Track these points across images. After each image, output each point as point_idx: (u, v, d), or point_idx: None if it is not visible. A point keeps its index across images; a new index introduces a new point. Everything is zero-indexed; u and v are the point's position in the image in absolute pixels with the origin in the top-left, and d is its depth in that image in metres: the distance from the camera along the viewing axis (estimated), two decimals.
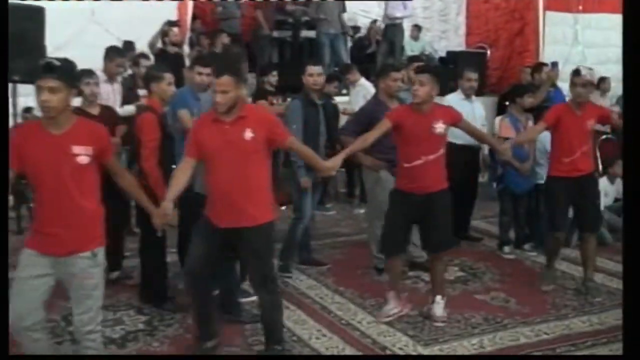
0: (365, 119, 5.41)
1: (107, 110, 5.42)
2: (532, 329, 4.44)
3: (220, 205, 3.77)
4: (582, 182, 5.09)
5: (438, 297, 4.52)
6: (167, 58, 7.83)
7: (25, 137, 3.34)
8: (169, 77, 4.89)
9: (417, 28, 10.76)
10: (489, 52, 11.02)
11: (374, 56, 10.52)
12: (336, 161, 4.33)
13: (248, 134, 3.64)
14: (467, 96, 6.34)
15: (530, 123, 6.13)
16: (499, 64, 11.00)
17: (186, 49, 8.61)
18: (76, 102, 4.92)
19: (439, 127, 4.42)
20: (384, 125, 4.46)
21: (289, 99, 6.87)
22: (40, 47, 6.38)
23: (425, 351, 4.07)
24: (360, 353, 4.09)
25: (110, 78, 6.51)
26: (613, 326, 4.43)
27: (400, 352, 4.12)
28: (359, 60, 10.33)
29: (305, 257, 5.81)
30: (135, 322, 4.60)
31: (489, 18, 11.34)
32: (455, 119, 4.68)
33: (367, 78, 9.82)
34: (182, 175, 3.74)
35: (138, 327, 4.52)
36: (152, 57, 7.93)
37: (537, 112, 6.56)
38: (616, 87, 9.65)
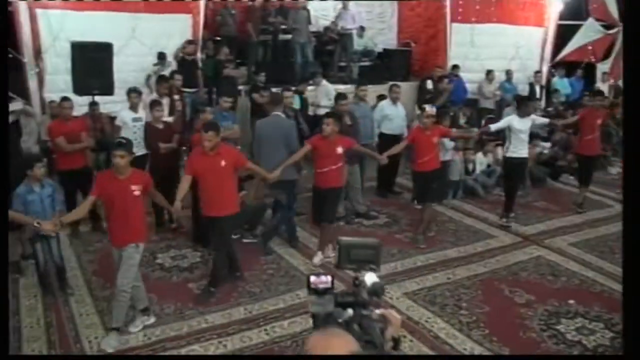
0: None
1: (167, 124, 6.58)
2: (425, 257, 5.95)
3: (207, 203, 5.02)
4: (435, 173, 6.26)
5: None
6: (186, 63, 9.05)
7: (104, 179, 4.44)
8: (209, 110, 6.34)
9: (361, 28, 11.45)
10: (413, 47, 11.90)
11: (333, 52, 11.29)
12: (276, 173, 5.48)
13: (223, 162, 4.91)
14: (394, 101, 7.62)
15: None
16: (420, 57, 11.88)
17: (199, 55, 9.56)
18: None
19: (339, 149, 5.64)
20: (306, 148, 5.71)
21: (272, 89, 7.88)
22: (109, 70, 7.63)
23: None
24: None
25: (161, 95, 7.27)
26: (472, 254, 6.02)
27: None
28: (321, 55, 11.33)
29: None
30: (194, 256, 5.88)
31: (413, 22, 12.16)
32: (350, 145, 5.82)
33: (327, 70, 11.16)
34: (184, 185, 4.96)
35: (196, 259, 5.80)
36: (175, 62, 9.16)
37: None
38: (499, 76, 10.89)
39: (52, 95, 8.25)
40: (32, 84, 8.76)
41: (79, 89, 7.53)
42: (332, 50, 11.41)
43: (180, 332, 4.51)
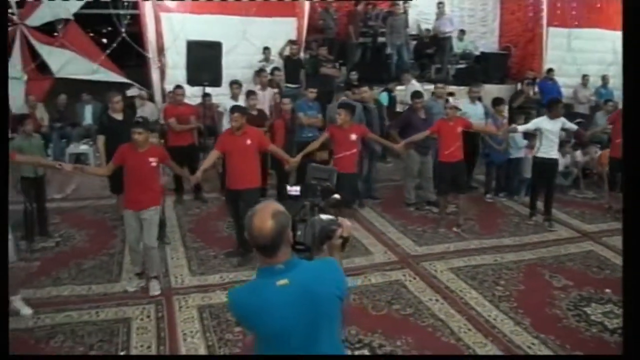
0: (403, 121, 7.70)
1: (260, 112, 7.53)
2: (480, 242, 6.48)
3: (232, 177, 5.68)
4: (460, 164, 6.74)
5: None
6: (290, 62, 10.17)
7: (125, 151, 5.05)
8: (287, 100, 7.29)
9: (462, 32, 12.01)
10: (513, 50, 12.22)
11: (433, 55, 11.91)
12: (297, 159, 6.16)
13: (248, 141, 5.61)
14: (473, 100, 8.09)
15: (505, 122, 7.79)
16: (518, 60, 12.17)
17: (302, 55, 10.64)
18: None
19: (353, 136, 6.29)
20: (324, 136, 6.46)
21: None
22: (219, 65, 8.85)
23: (420, 249, 6.24)
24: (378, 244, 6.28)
25: (263, 88, 8.51)
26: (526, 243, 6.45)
27: (401, 244, 6.30)
28: (421, 57, 12.05)
29: (368, 193, 7.86)
30: None
31: (513, 26, 12.43)
32: (363, 133, 6.51)
33: (424, 71, 11.80)
34: (210, 159, 5.80)
35: None
36: (281, 60, 10.31)
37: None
38: (596, 81, 10.97)
39: (171, 86, 9.72)
40: (155, 76, 10.37)
41: (191, 81, 8.84)
42: (431, 53, 12.00)
43: (249, 278, 5.48)
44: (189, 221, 7.05)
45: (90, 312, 4.77)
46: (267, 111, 8.12)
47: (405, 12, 11.52)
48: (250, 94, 7.52)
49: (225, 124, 8.04)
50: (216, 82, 8.81)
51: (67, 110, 9.97)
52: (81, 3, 10.27)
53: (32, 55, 10.43)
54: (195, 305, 4.91)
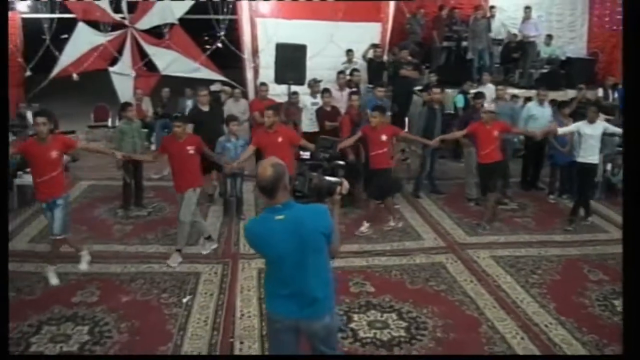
0: (465, 120, 8.11)
1: (333, 108, 8.23)
2: (530, 236, 6.79)
3: None
4: (497, 165, 6.96)
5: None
6: (373, 64, 10.88)
7: (168, 141, 5.94)
8: (355, 97, 7.92)
9: (549, 37, 12.04)
10: (600, 56, 12.14)
11: (518, 59, 12.08)
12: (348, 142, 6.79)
13: (280, 138, 6.29)
14: (541, 102, 8.35)
15: (570, 123, 7.62)
16: (604, 66, 12.08)
17: (385, 58, 11.29)
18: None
19: (383, 136, 6.68)
20: (358, 135, 6.87)
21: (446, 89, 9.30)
22: (303, 65, 9.68)
23: (470, 239, 6.70)
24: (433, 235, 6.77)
25: (341, 88, 9.32)
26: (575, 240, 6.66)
27: (452, 233, 6.76)
28: (507, 61, 12.27)
29: (432, 188, 8.44)
30: None
31: (602, 32, 12.37)
32: (395, 132, 6.94)
33: (508, 75, 12.05)
34: (247, 153, 6.46)
35: None
36: (364, 63, 11.00)
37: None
38: None
39: (259, 83, 10.76)
40: (249, 75, 11.52)
41: (278, 80, 9.78)
42: (517, 57, 12.18)
43: None
44: (262, 202, 7.93)
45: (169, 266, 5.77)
46: (343, 109, 8.82)
47: (488, 17, 11.80)
48: (325, 91, 8.31)
49: (305, 119, 8.99)
50: (300, 80, 9.65)
51: (170, 103, 11.26)
52: (186, 9, 11.63)
53: (140, 54, 11.93)
54: (256, 268, 5.73)
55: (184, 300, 5.05)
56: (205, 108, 7.65)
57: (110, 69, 12.00)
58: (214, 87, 9.84)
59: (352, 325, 4.70)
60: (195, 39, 12.33)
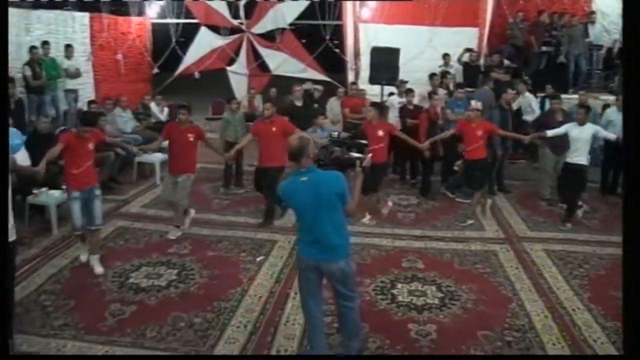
0: (540, 121, 8.46)
1: (415, 107, 8.89)
2: (590, 235, 7.00)
3: (262, 156, 7.05)
4: (479, 162, 7.34)
5: None
6: (468, 67, 11.44)
7: (171, 127, 6.68)
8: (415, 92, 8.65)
9: None
10: None
11: (619, 66, 11.57)
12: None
13: (274, 128, 6.94)
14: (620, 109, 8.32)
15: None
16: None
17: (481, 62, 11.83)
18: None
19: (380, 132, 7.23)
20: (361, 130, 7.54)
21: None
22: (396, 67, 10.48)
23: (530, 233, 7.07)
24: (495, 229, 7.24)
25: (433, 89, 9.66)
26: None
27: (515, 227, 7.15)
28: (608, 67, 12.16)
29: (499, 187, 8.78)
30: None
31: None
32: (390, 130, 7.39)
33: (607, 81, 11.97)
34: (244, 141, 7.29)
35: None
36: (460, 66, 11.60)
37: None
38: None
39: (362, 85, 11.70)
40: (350, 76, 12.50)
41: (372, 80, 10.67)
42: (618, 64, 11.97)
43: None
44: None
45: (252, 233, 6.89)
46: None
47: (586, 22, 11.81)
48: (409, 91, 9.09)
49: (391, 117, 9.78)
50: (392, 81, 10.50)
51: (277, 100, 12.52)
52: (296, 15, 12.90)
53: (254, 56, 13.40)
54: None
55: (258, 259, 6.12)
56: (299, 103, 8.74)
57: (228, 68, 13.61)
58: (305, 86, 10.91)
59: (394, 291, 5.46)
60: (303, 42, 13.59)
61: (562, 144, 7.98)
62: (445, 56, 11.54)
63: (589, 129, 7.18)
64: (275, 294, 5.36)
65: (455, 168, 8.28)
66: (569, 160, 7.31)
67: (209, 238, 6.73)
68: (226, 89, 13.30)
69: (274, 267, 5.95)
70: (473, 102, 7.52)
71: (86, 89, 11.21)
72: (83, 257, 5.92)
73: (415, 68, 10.85)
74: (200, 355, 4.23)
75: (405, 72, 11.24)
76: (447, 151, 8.42)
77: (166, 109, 10.83)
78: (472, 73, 11.37)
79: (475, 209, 7.67)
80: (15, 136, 6.79)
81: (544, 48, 12.33)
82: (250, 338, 4.57)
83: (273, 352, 4.39)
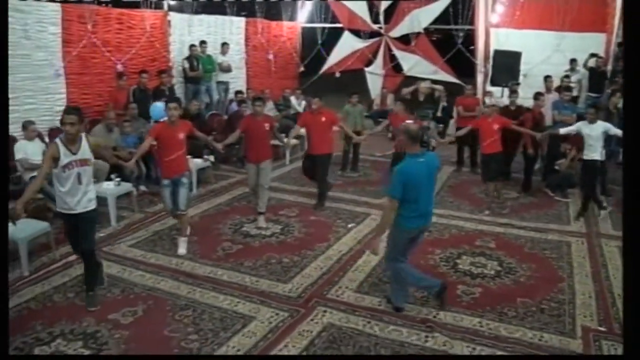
0: None
1: (517, 107, 9.29)
2: None
3: (312, 145, 7.89)
4: (494, 155, 7.88)
5: None
6: (595, 73, 11.51)
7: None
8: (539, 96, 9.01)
9: None
10: None
11: None
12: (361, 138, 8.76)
13: (323, 119, 7.69)
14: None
15: None
16: None
17: (608, 67, 11.82)
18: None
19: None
20: (385, 123, 8.90)
21: None
22: (516, 70, 11.09)
23: (613, 232, 7.18)
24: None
25: (548, 91, 10.10)
26: None
27: (601, 225, 7.40)
28: None
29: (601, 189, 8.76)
30: None
31: None
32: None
33: None
34: (295, 132, 8.12)
35: None
36: (586, 71, 11.72)
37: None
38: None
39: (489, 87, 12.37)
40: (479, 79, 13.18)
41: (493, 82, 11.37)
42: None
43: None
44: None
45: (352, 206, 8.09)
46: (549, 111, 9.66)
47: None
48: (512, 92, 9.63)
49: None
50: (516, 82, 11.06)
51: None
52: (431, 20, 13.85)
53: (390, 58, 14.58)
54: None
55: (349, 225, 7.31)
56: (422, 98, 9.88)
57: (366, 69, 14.94)
58: (424, 84, 11.81)
59: (458, 261, 6.29)
60: (435, 45, 14.47)
61: None
62: (572, 61, 11.75)
63: (599, 126, 7.52)
64: (353, 250, 6.51)
65: (557, 167, 8.77)
66: (585, 157, 7.71)
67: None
68: (361, 87, 14.44)
69: (360, 232, 7.09)
70: (488, 100, 8.60)
71: (238, 82, 12.98)
72: (180, 251, 6.30)
73: (542, 72, 11.23)
74: (200, 355, 4.34)
75: (532, 75, 11.77)
76: (549, 150, 8.89)
77: (303, 102, 12.42)
78: (598, 78, 11.47)
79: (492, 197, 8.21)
80: (160, 107, 8.20)
81: None
82: (322, 276, 5.79)
83: (334, 287, 5.54)
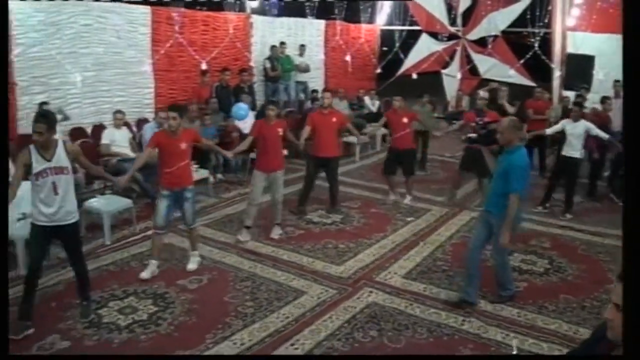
0: None
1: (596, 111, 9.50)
2: None
3: (318, 146, 7.49)
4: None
5: None
6: None
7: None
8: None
9: None
10: None
11: None
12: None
13: (334, 119, 7.50)
14: None
15: None
16: None
17: None
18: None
19: (404, 119, 8.07)
20: (382, 121, 8.60)
21: None
22: (589, 74, 11.00)
23: None
24: None
25: (616, 95, 9.93)
26: None
27: None
28: None
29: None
30: None
31: None
32: (413, 117, 8.28)
33: None
34: (304, 132, 7.39)
35: None
36: None
37: None
38: None
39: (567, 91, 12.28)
40: (555, 83, 13.09)
41: (566, 86, 11.32)
42: None
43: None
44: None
45: (413, 202, 8.44)
46: (618, 115, 9.57)
47: None
48: (578, 97, 9.60)
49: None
50: (585, 87, 11.01)
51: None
52: (508, 22, 13.87)
53: (467, 60, 14.72)
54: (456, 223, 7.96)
55: (408, 219, 7.71)
56: (501, 101, 10.06)
57: (443, 71, 15.14)
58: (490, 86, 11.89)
59: (510, 257, 6.39)
60: (512, 48, 14.45)
61: None
62: None
63: (581, 125, 7.68)
64: (408, 241, 6.90)
65: (621, 173, 8.71)
66: (564, 153, 7.82)
67: (377, 200, 8.52)
68: (437, 90, 14.73)
69: (418, 226, 7.47)
70: (481, 92, 8.44)
71: (317, 82, 13.54)
72: (190, 266, 5.88)
73: (618, 76, 11.04)
74: (200, 355, 4.34)
75: (609, 79, 11.59)
76: (617, 155, 8.82)
77: (377, 102, 12.82)
78: None
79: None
80: (243, 109, 8.82)
81: None
82: (373, 262, 6.24)
83: (383, 272, 5.96)
